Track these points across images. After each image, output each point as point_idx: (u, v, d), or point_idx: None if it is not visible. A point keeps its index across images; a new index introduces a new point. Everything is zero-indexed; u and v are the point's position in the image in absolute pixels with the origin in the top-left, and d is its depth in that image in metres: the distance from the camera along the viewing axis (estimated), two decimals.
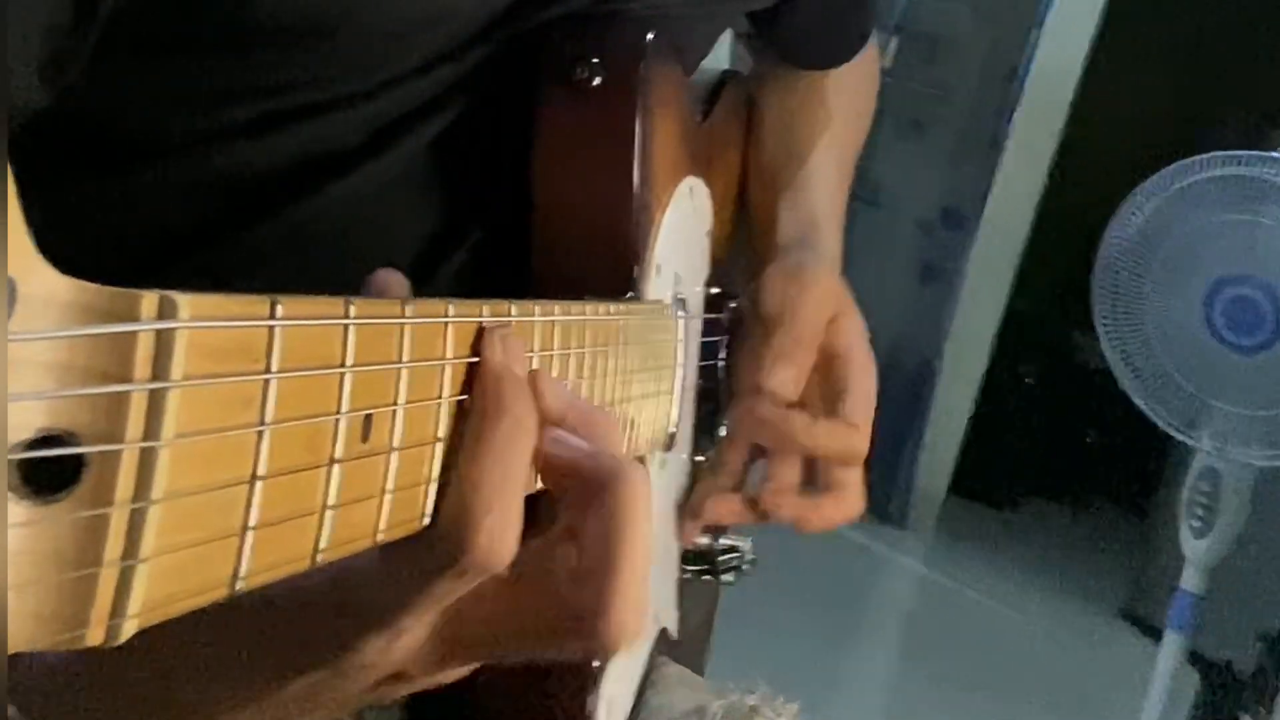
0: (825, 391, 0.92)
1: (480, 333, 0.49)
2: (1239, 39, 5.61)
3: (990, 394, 5.03)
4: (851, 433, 0.91)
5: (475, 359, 0.49)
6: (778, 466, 0.92)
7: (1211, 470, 2.47)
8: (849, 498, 0.93)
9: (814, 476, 0.93)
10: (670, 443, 0.85)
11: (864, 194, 4.68)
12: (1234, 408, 2.38)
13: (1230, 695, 3.33)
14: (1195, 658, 3.11)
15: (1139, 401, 2.44)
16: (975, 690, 3.63)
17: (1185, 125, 4.91)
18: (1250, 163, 2.29)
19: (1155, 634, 2.71)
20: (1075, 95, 4.65)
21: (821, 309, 0.93)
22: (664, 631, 0.89)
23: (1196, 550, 2.51)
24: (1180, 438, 2.45)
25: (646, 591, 0.53)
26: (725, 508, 0.91)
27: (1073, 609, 4.65)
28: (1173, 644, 2.56)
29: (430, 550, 0.48)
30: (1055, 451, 5.91)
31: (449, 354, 0.46)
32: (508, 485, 0.49)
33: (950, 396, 4.87)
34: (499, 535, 0.48)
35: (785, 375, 0.90)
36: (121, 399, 0.32)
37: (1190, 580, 2.55)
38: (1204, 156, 2.33)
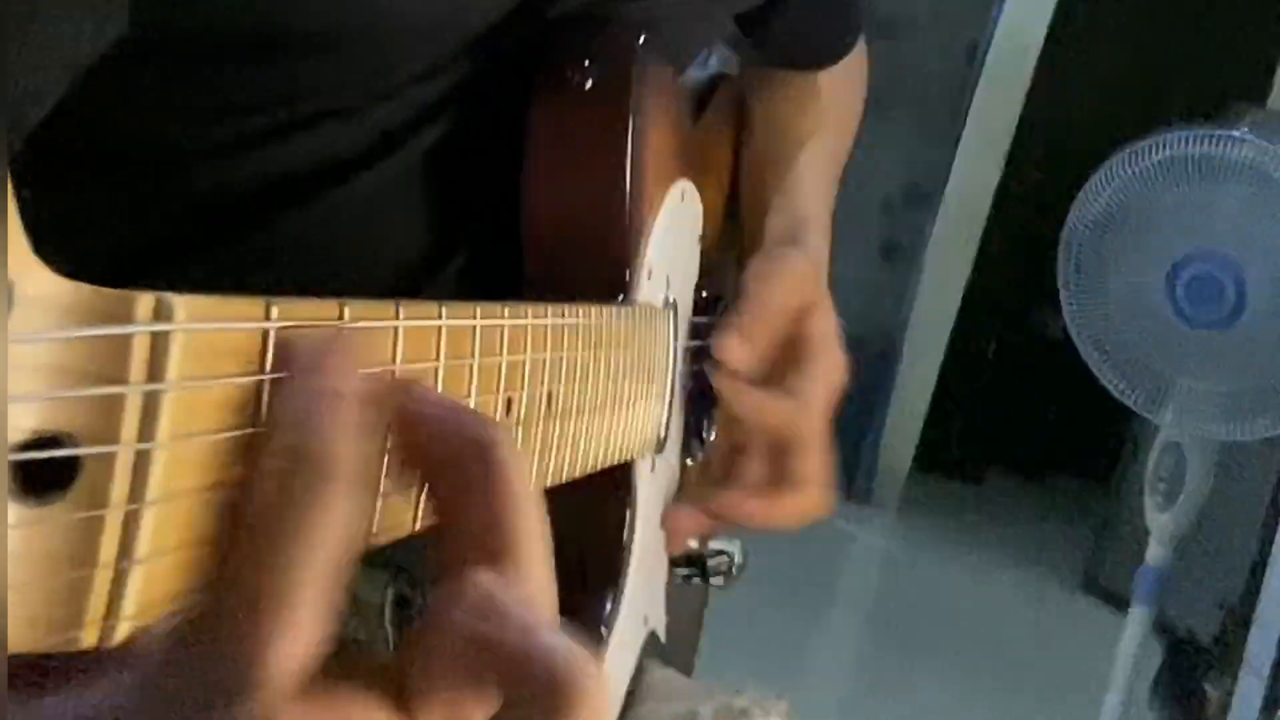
0: (783, 371, 0.91)
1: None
2: (1197, 15, 5.63)
3: (953, 369, 5.04)
4: (798, 408, 0.90)
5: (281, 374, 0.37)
6: (742, 464, 0.91)
7: (1174, 445, 2.48)
8: (806, 491, 0.91)
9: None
10: (661, 445, 0.85)
11: None
12: (1196, 383, 2.39)
13: (1193, 664, 3.36)
14: (1160, 627, 3.14)
15: (1103, 378, 2.45)
16: (942, 664, 3.64)
17: (1145, 102, 4.92)
18: (1211, 140, 2.30)
19: (1120, 605, 2.73)
20: (1035, 73, 4.66)
21: (788, 293, 0.91)
22: (653, 635, 0.89)
23: (1160, 524, 2.53)
24: (1143, 414, 2.47)
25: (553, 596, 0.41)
26: (684, 520, 0.90)
27: (1038, 581, 4.68)
28: (1138, 618, 2.58)
29: (182, 664, 0.35)
30: (1019, 425, 5.93)
31: (443, 357, 0.46)
32: (290, 565, 0.34)
33: (913, 373, 4.89)
34: (252, 645, 0.34)
35: (733, 344, 0.87)
36: (116, 400, 0.32)
37: (1154, 554, 2.57)
38: (1164, 135, 2.33)
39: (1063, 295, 2.45)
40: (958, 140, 4.70)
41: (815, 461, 0.91)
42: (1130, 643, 2.58)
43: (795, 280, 0.92)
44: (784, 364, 0.91)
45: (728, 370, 0.88)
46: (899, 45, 4.76)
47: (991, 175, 4.74)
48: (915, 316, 4.83)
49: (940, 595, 4.35)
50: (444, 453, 0.40)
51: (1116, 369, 2.44)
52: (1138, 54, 5.88)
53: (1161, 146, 2.33)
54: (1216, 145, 2.29)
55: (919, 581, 4.47)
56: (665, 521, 0.90)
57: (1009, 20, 4.62)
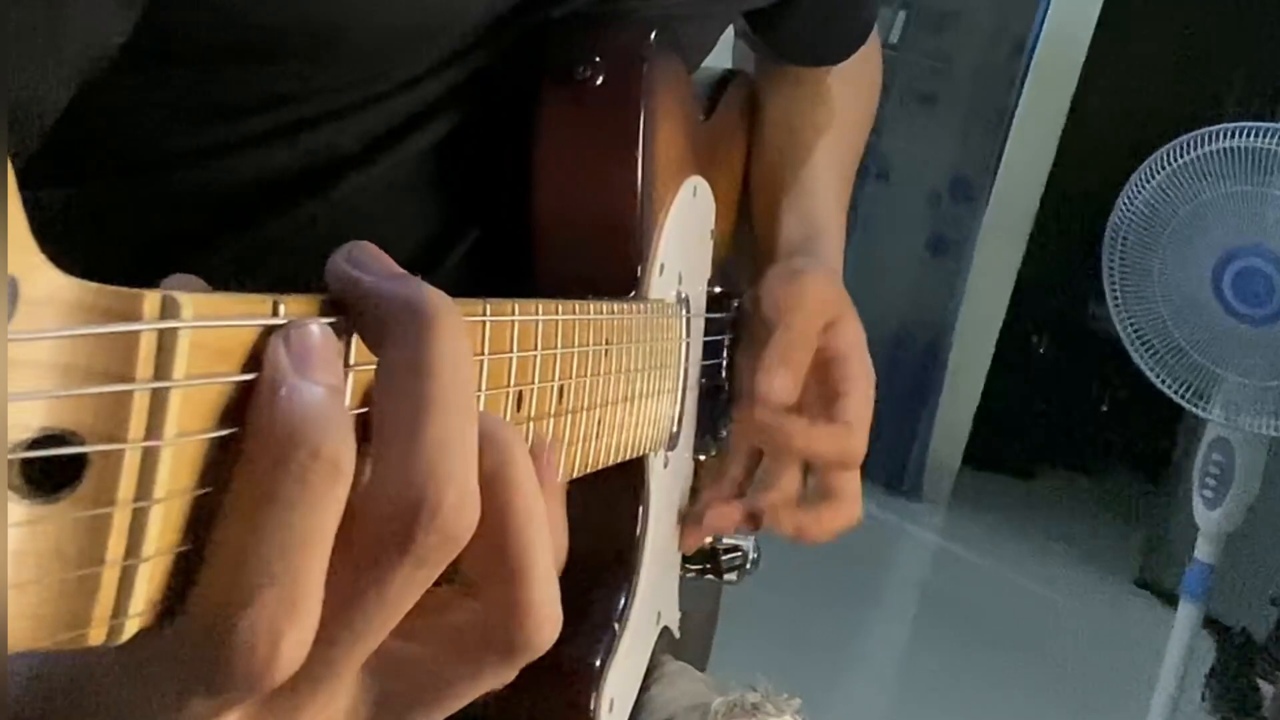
0: (822, 395, 0.91)
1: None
2: (1246, 10, 5.58)
3: (1003, 364, 5.02)
4: (848, 434, 0.90)
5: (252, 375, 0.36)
6: (777, 475, 0.91)
7: (1223, 441, 2.47)
8: (847, 504, 0.92)
9: (812, 482, 0.92)
10: (673, 442, 0.85)
11: (874, 168, 4.68)
12: (1244, 379, 2.38)
13: (1246, 660, 3.34)
14: (1213, 624, 3.12)
15: (1148, 372, 2.44)
16: (992, 660, 3.63)
17: (1193, 96, 4.90)
18: (1258, 135, 2.28)
19: (1173, 601, 2.71)
20: (1083, 67, 4.64)
21: (818, 313, 0.91)
22: (666, 630, 0.89)
23: (1209, 521, 2.52)
24: (1191, 409, 2.45)
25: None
26: (726, 517, 0.91)
27: (1088, 577, 4.66)
28: (1188, 613, 2.57)
29: (177, 653, 0.35)
30: (1069, 420, 5.91)
31: None
32: (294, 562, 0.34)
33: (963, 367, 4.87)
34: (267, 637, 0.34)
35: (780, 380, 0.88)
36: (123, 398, 0.32)
37: (1204, 550, 2.55)
38: (1211, 129, 2.32)
39: (1108, 289, 2.44)
40: (1006, 133, 4.68)
41: (856, 479, 0.93)
42: (1180, 639, 2.57)
43: (821, 297, 0.92)
44: (820, 382, 0.91)
45: (774, 406, 0.88)
46: (946, 39, 4.74)
47: (1041, 168, 4.72)
48: (964, 311, 4.81)
49: (990, 591, 4.34)
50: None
51: (1163, 364, 2.43)
52: (1188, 47, 5.84)
53: (1209, 140, 2.32)
54: (1266, 139, 2.27)
55: (968, 577, 4.45)
56: (703, 515, 0.90)
57: (1057, 12, 4.60)
